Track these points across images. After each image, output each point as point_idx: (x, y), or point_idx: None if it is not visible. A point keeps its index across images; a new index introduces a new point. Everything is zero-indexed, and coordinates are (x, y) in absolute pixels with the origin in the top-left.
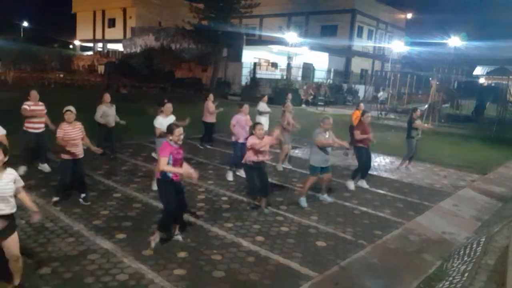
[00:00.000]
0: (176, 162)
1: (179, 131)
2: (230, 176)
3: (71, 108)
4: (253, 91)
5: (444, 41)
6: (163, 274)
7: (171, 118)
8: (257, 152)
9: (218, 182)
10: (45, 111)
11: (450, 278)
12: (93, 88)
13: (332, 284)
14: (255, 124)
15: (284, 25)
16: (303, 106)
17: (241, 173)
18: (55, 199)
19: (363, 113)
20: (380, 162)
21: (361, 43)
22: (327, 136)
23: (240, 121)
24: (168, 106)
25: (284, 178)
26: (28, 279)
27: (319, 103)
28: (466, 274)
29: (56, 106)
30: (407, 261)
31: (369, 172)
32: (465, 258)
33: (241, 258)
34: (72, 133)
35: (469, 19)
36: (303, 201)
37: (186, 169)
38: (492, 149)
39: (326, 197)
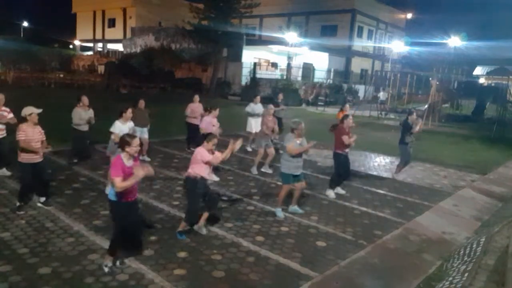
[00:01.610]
0: (128, 177)
1: (136, 142)
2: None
3: (36, 110)
4: (253, 91)
5: (444, 41)
6: (163, 274)
7: (130, 125)
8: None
9: (218, 182)
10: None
11: (450, 278)
12: (93, 88)
13: (332, 284)
14: (208, 135)
15: (284, 25)
16: (303, 106)
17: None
18: (19, 204)
19: (345, 117)
20: (380, 162)
21: (361, 43)
22: (298, 142)
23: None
24: (129, 111)
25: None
26: (28, 279)
27: (319, 103)
28: (466, 274)
29: (57, 106)
30: (407, 261)
31: (369, 172)
32: (465, 258)
33: (241, 258)
34: (33, 135)
35: (469, 19)
36: (279, 212)
37: (138, 172)
38: (492, 149)
39: (296, 209)
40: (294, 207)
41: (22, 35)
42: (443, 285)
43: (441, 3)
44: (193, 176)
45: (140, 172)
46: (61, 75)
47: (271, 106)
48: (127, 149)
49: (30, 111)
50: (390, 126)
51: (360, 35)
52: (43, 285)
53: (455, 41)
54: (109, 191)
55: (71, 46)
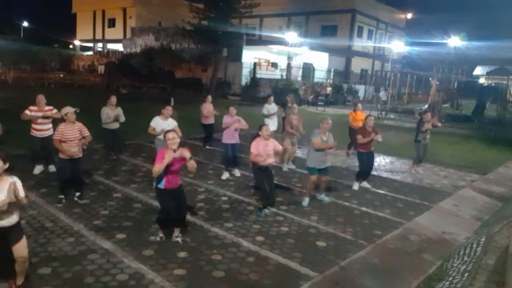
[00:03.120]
0: (169, 167)
1: (171, 135)
2: (224, 176)
3: (71, 108)
4: (253, 91)
5: (444, 41)
6: (163, 274)
7: (170, 123)
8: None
9: (218, 182)
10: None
11: (450, 278)
12: (93, 88)
13: (332, 284)
14: (260, 126)
15: (284, 25)
16: (303, 106)
17: (236, 172)
18: (61, 196)
19: (366, 118)
20: (380, 162)
21: (361, 43)
22: (325, 138)
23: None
24: (167, 108)
25: (284, 178)
26: (28, 279)
27: (319, 103)
28: (466, 274)
29: (57, 106)
30: (407, 261)
31: (372, 173)
32: (465, 258)
33: (241, 258)
34: (70, 134)
35: (469, 19)
36: (305, 201)
37: (169, 156)
38: (492, 149)
39: (323, 197)
40: (322, 195)
41: (22, 35)
42: (443, 285)
43: (441, 3)
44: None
45: (169, 157)
46: (61, 75)
47: (295, 105)
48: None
49: (66, 111)
50: (390, 126)
51: (360, 35)
52: (43, 285)
53: (455, 41)
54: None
55: (71, 46)
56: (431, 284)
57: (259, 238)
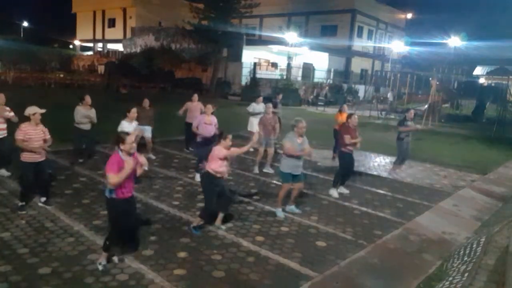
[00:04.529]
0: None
1: (130, 139)
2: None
3: (40, 110)
4: (253, 91)
5: (444, 41)
6: (163, 274)
7: (134, 125)
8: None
9: None
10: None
11: (450, 278)
12: (93, 88)
13: (332, 284)
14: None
15: (284, 25)
16: (303, 106)
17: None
18: (20, 204)
19: (349, 116)
20: (380, 162)
21: (361, 43)
22: (299, 141)
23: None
24: (133, 111)
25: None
26: (28, 279)
27: (319, 103)
28: (466, 274)
29: (57, 106)
30: (407, 261)
31: (369, 172)
32: (465, 258)
33: (241, 258)
34: (33, 134)
35: (469, 19)
36: (279, 212)
37: (129, 164)
38: (492, 149)
39: (293, 208)
40: (291, 207)
41: (22, 35)
42: (443, 285)
43: (441, 3)
44: (210, 174)
45: (131, 163)
46: (61, 75)
47: (270, 105)
48: (122, 146)
49: (34, 110)
50: (390, 126)
51: (360, 35)
52: (43, 285)
53: (455, 41)
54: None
55: (71, 46)
56: (431, 284)
57: (259, 238)
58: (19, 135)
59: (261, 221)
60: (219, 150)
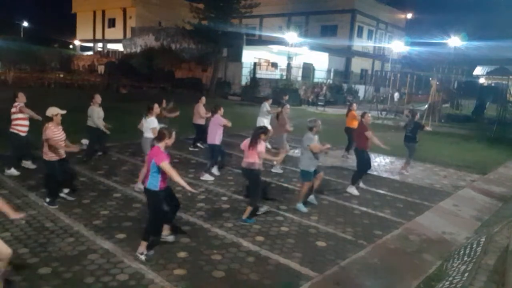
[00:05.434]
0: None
1: (174, 134)
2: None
3: (61, 111)
4: (253, 91)
5: (444, 41)
6: (163, 274)
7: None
8: None
9: (218, 182)
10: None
11: (450, 278)
12: (93, 88)
13: (332, 284)
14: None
15: (284, 25)
16: (303, 106)
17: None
18: (49, 199)
19: (363, 114)
20: (380, 162)
21: (361, 43)
22: (316, 139)
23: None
24: (156, 107)
25: (284, 178)
26: (28, 279)
27: (319, 103)
28: (466, 274)
29: (57, 106)
30: (407, 261)
31: (369, 172)
32: (465, 258)
33: (241, 258)
34: (59, 135)
35: (469, 19)
36: (301, 207)
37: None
38: (492, 149)
39: (313, 199)
40: (311, 197)
41: (22, 35)
42: (443, 285)
43: (441, 3)
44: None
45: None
46: (61, 75)
47: (287, 106)
48: (167, 140)
49: (56, 111)
50: (390, 126)
51: (360, 35)
52: (43, 285)
53: (455, 41)
54: (148, 183)
55: (71, 46)
56: (431, 284)
57: (259, 238)
58: (53, 134)
59: (261, 221)
60: (262, 145)
